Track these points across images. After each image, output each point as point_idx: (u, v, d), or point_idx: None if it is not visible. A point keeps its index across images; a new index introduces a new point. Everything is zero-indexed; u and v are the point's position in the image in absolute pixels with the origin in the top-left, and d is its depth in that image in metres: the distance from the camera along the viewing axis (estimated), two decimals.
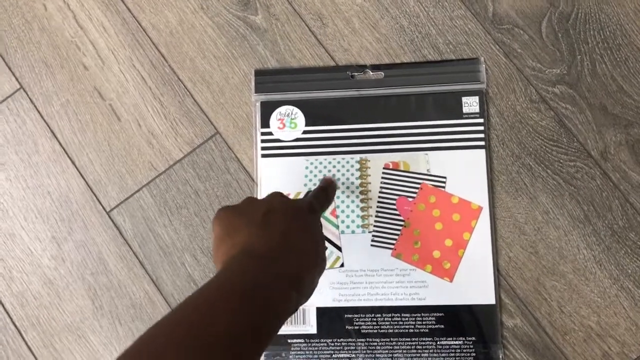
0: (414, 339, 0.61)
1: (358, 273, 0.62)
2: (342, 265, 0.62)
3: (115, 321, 0.64)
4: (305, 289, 0.42)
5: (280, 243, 0.42)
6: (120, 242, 0.65)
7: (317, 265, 0.44)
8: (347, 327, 0.62)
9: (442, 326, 0.61)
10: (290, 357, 0.61)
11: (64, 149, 0.67)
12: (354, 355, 0.61)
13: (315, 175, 0.64)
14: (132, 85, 0.67)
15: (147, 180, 0.66)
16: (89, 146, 0.67)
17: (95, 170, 0.66)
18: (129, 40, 0.68)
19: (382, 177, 0.64)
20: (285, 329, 0.62)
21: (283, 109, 0.65)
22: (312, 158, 0.65)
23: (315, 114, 0.65)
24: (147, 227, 0.65)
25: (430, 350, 0.60)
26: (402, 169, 0.64)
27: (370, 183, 0.64)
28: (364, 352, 0.61)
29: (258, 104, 0.66)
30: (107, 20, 0.68)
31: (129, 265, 0.65)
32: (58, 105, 0.67)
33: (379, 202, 0.63)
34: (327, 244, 0.63)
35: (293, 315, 0.62)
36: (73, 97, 0.67)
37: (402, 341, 0.61)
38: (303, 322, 0.62)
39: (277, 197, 0.47)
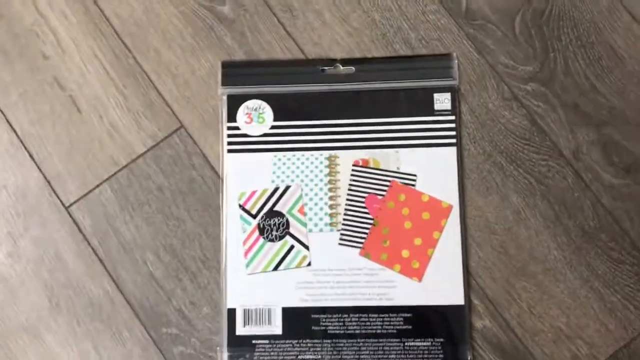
0: (381, 340, 0.59)
1: (325, 272, 0.61)
2: (309, 265, 0.61)
3: (73, 320, 0.61)
4: None
5: None
6: (79, 239, 0.63)
7: None
8: (313, 327, 0.60)
9: (410, 327, 0.59)
10: (254, 358, 0.60)
11: (21, 142, 0.64)
12: (319, 357, 0.59)
13: (283, 172, 0.62)
14: (93, 76, 0.65)
15: (108, 175, 0.63)
16: (47, 139, 0.64)
17: (54, 163, 0.64)
18: (91, 30, 0.65)
19: (352, 175, 0.62)
20: (249, 330, 0.60)
21: (250, 103, 0.63)
22: (280, 154, 0.63)
23: (283, 108, 0.63)
24: (107, 224, 0.63)
25: (398, 352, 0.59)
26: (372, 166, 0.62)
27: (339, 180, 0.62)
28: (331, 353, 0.59)
29: (225, 98, 0.64)
30: (68, 8, 0.66)
31: (87, 262, 0.62)
32: (16, 96, 0.65)
33: (347, 199, 0.62)
34: (294, 242, 0.61)
35: (258, 316, 0.60)
36: (32, 87, 0.65)
37: (369, 342, 0.59)
38: (268, 322, 0.60)
39: None
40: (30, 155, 0.64)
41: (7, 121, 0.64)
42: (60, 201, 0.63)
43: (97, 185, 0.63)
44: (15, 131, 0.64)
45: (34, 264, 0.62)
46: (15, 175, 0.64)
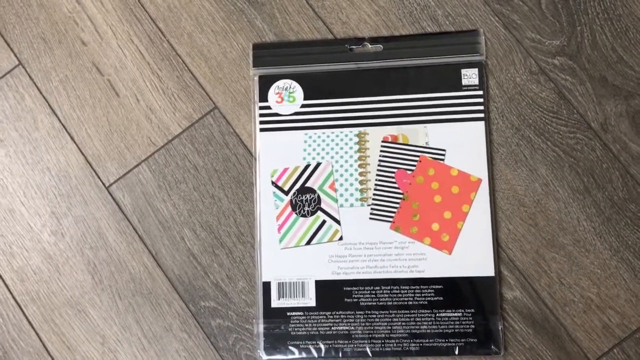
0: (412, 311, 0.61)
1: (357, 246, 0.62)
2: (340, 239, 0.62)
3: (115, 295, 0.64)
4: None
5: None
6: (119, 217, 0.65)
7: None
8: (346, 299, 0.61)
9: (441, 298, 0.61)
10: (289, 329, 0.61)
11: (63, 125, 0.67)
12: (352, 328, 0.61)
13: (313, 149, 0.64)
14: (130, 60, 0.67)
15: (145, 155, 0.66)
16: (87, 122, 0.67)
17: (94, 145, 0.66)
18: (127, 16, 0.68)
19: (381, 150, 0.63)
20: (284, 302, 0.62)
21: (281, 82, 0.65)
22: (310, 132, 0.64)
23: (313, 87, 0.65)
24: (146, 202, 0.65)
25: (429, 322, 0.60)
26: (400, 141, 0.63)
27: (369, 156, 0.63)
28: (363, 324, 0.61)
29: (256, 78, 0.65)
30: None
31: (128, 240, 0.65)
32: (57, 81, 0.67)
33: (377, 175, 0.63)
34: (326, 217, 0.63)
35: (292, 289, 0.62)
36: (71, 72, 0.67)
37: (400, 313, 0.61)
38: (302, 295, 0.62)
39: None
40: (72, 138, 0.66)
41: (49, 105, 0.67)
42: (101, 181, 0.66)
43: (136, 166, 0.66)
44: (56, 115, 0.67)
45: (77, 242, 0.65)
46: (58, 158, 0.66)
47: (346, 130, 0.64)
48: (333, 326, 0.61)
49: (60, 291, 0.64)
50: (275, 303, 0.62)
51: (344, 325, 0.61)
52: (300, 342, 0.61)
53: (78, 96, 0.67)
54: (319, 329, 0.61)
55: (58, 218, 0.65)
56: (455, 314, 0.60)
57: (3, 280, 0.65)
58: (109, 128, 0.66)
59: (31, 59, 0.68)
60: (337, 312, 0.61)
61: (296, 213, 0.63)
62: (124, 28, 0.67)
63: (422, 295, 0.61)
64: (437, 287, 0.61)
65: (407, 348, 0.60)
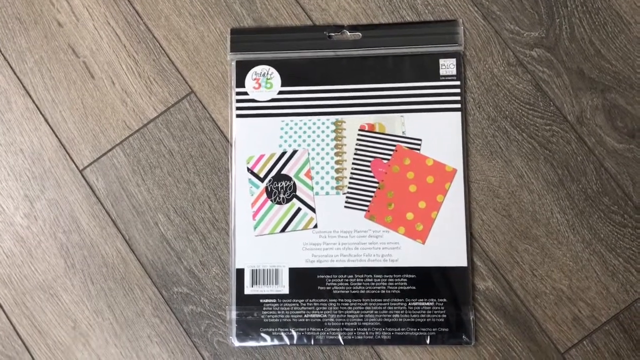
0: (385, 300, 0.61)
1: (331, 234, 0.62)
2: (315, 227, 0.62)
3: (87, 280, 0.63)
4: None
5: None
6: (92, 201, 0.64)
7: None
8: (319, 287, 0.61)
9: (414, 287, 0.61)
10: (262, 316, 0.61)
11: (37, 107, 0.66)
12: (325, 316, 0.61)
13: (290, 136, 0.64)
14: (106, 42, 0.66)
15: (120, 139, 0.65)
16: (62, 104, 0.66)
17: (68, 128, 0.65)
18: None
19: (358, 139, 0.63)
20: (257, 289, 0.62)
21: (259, 68, 0.65)
22: (287, 119, 0.64)
23: (291, 74, 0.64)
24: (120, 186, 0.64)
25: (402, 311, 0.61)
26: (377, 130, 0.63)
27: (345, 145, 0.63)
28: (336, 312, 0.61)
29: (233, 64, 0.65)
30: None
31: (101, 224, 0.64)
32: (31, 62, 0.66)
33: (353, 163, 0.63)
34: (301, 205, 0.62)
35: (265, 276, 0.62)
36: (47, 54, 0.66)
37: (373, 302, 0.61)
38: (275, 282, 0.62)
39: None
40: (46, 120, 0.66)
41: (23, 86, 0.66)
42: (75, 164, 0.65)
43: (110, 149, 0.65)
44: (30, 96, 0.66)
45: (50, 225, 0.64)
46: (32, 139, 0.65)
47: (323, 118, 0.64)
48: (306, 314, 0.61)
49: (32, 275, 0.64)
50: (248, 290, 0.62)
51: (316, 313, 0.61)
52: (273, 329, 0.61)
53: (53, 78, 0.66)
54: (292, 316, 0.61)
55: (31, 201, 0.65)
56: (428, 304, 0.61)
57: None
58: (84, 111, 0.65)
59: (6, 39, 0.67)
60: (310, 300, 0.61)
61: (271, 200, 0.63)
62: (101, 10, 0.67)
63: (395, 284, 0.61)
64: (410, 276, 0.61)
65: (379, 337, 0.61)
